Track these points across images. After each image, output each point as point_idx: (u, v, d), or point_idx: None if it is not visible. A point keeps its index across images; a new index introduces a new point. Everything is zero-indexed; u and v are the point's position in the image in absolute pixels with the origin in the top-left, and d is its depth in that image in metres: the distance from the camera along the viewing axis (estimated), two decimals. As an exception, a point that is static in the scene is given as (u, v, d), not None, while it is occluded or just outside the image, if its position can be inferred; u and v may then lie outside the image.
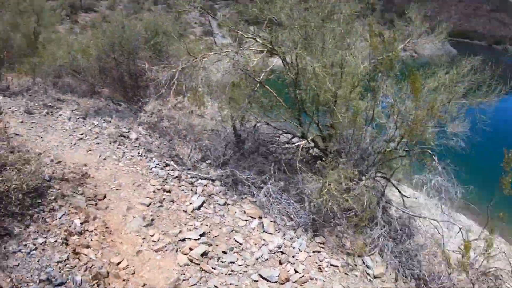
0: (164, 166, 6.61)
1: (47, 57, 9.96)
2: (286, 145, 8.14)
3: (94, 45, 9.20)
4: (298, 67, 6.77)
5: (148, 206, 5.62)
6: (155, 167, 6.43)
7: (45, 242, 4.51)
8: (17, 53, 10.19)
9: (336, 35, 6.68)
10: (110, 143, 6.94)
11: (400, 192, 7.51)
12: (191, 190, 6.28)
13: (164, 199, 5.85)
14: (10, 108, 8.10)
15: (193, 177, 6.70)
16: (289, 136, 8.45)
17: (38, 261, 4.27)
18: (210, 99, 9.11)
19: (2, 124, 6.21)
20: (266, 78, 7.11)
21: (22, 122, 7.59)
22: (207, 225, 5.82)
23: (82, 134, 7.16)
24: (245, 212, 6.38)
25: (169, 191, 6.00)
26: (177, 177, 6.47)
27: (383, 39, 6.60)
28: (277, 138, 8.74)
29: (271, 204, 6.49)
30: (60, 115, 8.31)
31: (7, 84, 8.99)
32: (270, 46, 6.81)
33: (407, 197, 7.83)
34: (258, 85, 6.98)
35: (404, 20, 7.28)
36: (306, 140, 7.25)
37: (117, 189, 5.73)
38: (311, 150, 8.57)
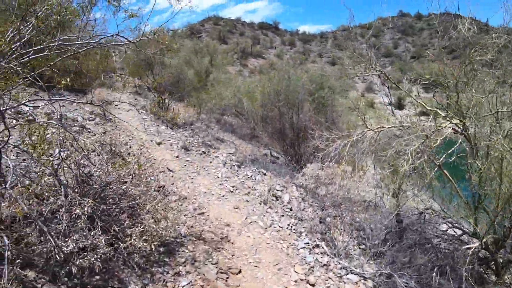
0: (313, 247, 5.36)
1: (214, 95, 10.05)
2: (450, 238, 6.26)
3: (260, 91, 8.83)
4: (489, 156, 5.00)
5: (285, 300, 4.40)
6: (304, 247, 5.23)
7: (158, 313, 3.71)
8: (188, 87, 10.63)
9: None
10: (260, 204, 6.08)
11: None
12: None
13: (306, 294, 4.58)
14: (169, 141, 8.07)
15: (344, 268, 5.30)
16: (457, 231, 6.53)
17: (142, 333, 3.49)
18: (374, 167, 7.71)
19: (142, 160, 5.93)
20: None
21: (177, 157, 7.38)
22: None
23: (233, 187, 6.50)
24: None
25: (313, 285, 4.68)
26: (325, 265, 5.14)
27: None
28: (444, 230, 6.87)
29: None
30: (216, 157, 7.96)
31: (173, 115, 9.17)
32: (460, 127, 5.19)
33: None
34: (436, 168, 5.36)
35: None
36: (479, 243, 5.34)
37: (255, 266, 4.67)
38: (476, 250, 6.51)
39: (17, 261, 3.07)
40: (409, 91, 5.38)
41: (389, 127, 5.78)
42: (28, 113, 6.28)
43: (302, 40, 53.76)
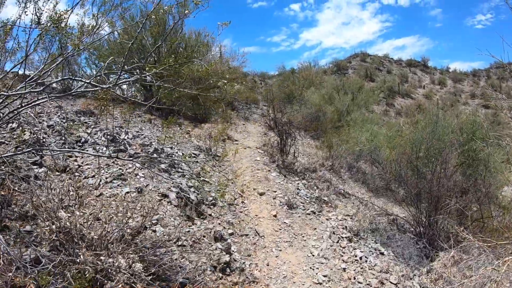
0: None
1: (348, 138, 8.50)
2: None
3: (399, 140, 6.95)
4: None
5: None
6: None
7: None
8: (324, 126, 9.32)
9: None
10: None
11: None
12: None
13: None
14: (275, 192, 6.90)
15: None
16: None
17: None
18: None
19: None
20: None
21: (275, 216, 6.18)
22: None
23: (325, 276, 4.81)
24: None
25: None
26: None
27: None
28: None
29: None
30: (327, 219, 6.42)
31: (292, 160, 7.95)
32: None
33: None
34: None
35: None
36: None
37: None
38: None
39: None
40: None
41: None
42: (122, 142, 6.17)
43: (453, 79, 46.45)
